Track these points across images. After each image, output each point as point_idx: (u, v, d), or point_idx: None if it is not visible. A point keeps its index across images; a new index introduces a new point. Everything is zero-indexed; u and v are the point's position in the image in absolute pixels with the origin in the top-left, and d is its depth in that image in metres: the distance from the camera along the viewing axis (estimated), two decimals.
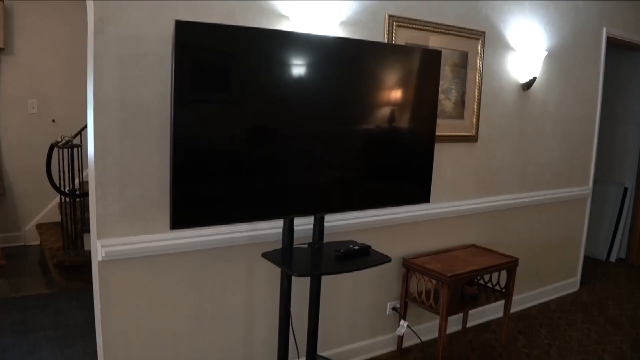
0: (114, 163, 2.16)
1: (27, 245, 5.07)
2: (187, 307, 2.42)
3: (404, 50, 2.52)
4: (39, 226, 5.05)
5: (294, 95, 2.07)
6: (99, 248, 2.18)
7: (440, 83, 3.08)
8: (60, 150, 4.25)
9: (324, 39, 2.21)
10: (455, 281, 2.83)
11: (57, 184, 4.36)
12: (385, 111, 2.38)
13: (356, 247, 2.18)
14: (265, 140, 2.04)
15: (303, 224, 2.54)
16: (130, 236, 2.23)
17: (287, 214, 2.19)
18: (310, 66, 2.10)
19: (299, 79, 2.08)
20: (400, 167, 2.48)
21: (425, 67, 2.45)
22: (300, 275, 2.00)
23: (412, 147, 2.50)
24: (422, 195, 2.54)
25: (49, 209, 5.13)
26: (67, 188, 4.29)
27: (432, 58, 2.46)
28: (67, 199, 4.34)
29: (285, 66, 2.03)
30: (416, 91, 2.45)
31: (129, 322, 2.28)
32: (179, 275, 2.38)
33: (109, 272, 2.22)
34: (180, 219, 1.88)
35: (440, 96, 3.12)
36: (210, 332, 2.50)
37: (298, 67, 2.08)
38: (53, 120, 4.96)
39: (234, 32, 1.93)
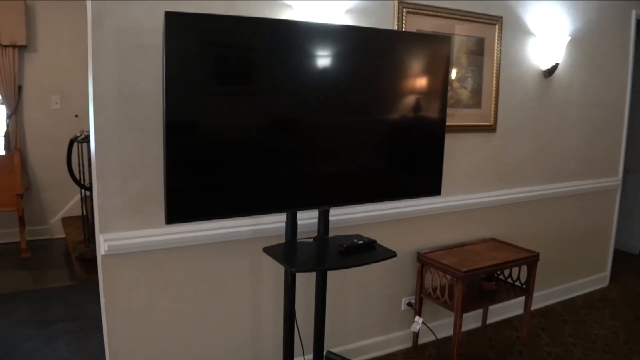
0: (115, 156, 2.15)
1: (53, 239, 5.19)
2: (192, 302, 2.40)
3: (411, 37, 2.42)
4: (64, 219, 5.15)
5: (293, 84, 2.01)
6: (102, 242, 2.18)
7: (455, 71, 2.99)
8: (80, 144, 4.31)
9: (321, 26, 2.13)
10: (471, 277, 2.73)
11: (78, 177, 4.43)
12: (391, 101, 2.29)
13: (360, 242, 2.11)
14: (262, 130, 1.98)
15: (310, 217, 2.49)
16: (132, 230, 2.22)
17: (289, 208, 2.14)
18: (309, 55, 2.03)
19: (298, 68, 2.01)
20: (408, 158, 2.39)
21: (434, 54, 2.35)
22: (299, 270, 1.95)
23: (421, 138, 2.41)
24: (432, 187, 2.45)
25: (74, 202, 5.22)
26: (87, 182, 4.35)
27: (441, 44, 2.36)
28: (88, 193, 4.40)
29: (281, 55, 1.96)
30: (425, 79, 2.36)
31: (133, 316, 2.28)
32: (183, 270, 2.36)
33: (112, 266, 2.22)
34: (175, 213, 1.85)
35: (456, 85, 3.02)
36: (216, 326, 2.48)
37: (296, 56, 2.01)
38: (76, 115, 5.03)
39: (225, 21, 1.87)
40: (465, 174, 3.20)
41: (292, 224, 2.17)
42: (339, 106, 2.16)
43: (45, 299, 3.71)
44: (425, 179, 2.45)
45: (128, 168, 2.17)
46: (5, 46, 4.65)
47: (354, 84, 2.17)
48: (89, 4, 2.05)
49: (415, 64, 2.33)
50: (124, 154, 2.15)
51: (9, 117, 4.84)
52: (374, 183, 2.31)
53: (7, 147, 4.91)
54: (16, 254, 4.60)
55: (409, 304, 3.09)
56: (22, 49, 4.78)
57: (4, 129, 4.91)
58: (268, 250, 2.07)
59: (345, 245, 2.06)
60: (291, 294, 2.18)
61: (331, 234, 2.39)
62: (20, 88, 4.84)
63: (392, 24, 2.71)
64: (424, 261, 2.96)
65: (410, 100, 2.34)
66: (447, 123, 2.96)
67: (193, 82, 1.82)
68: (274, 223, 2.46)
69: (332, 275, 2.56)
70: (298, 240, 2.22)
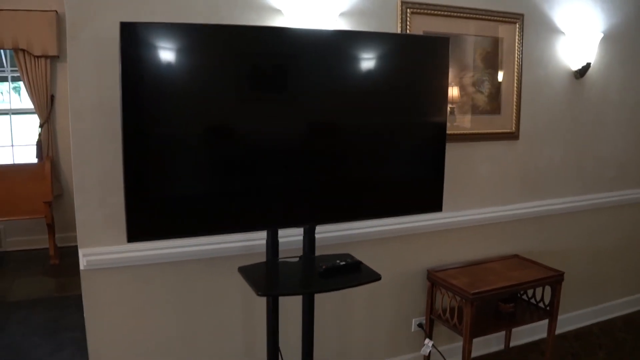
0: (94, 169, 2.10)
1: None
2: (178, 321, 2.32)
3: (401, 39, 2.21)
4: None
5: (258, 89, 1.89)
6: (81, 257, 2.13)
7: (470, 75, 2.78)
8: None
9: (294, 32, 1.98)
10: (481, 299, 2.50)
11: None
12: (382, 107, 2.12)
13: (342, 263, 1.95)
14: (231, 138, 1.86)
15: (299, 234, 2.35)
16: (112, 245, 2.16)
17: (265, 226, 2.01)
18: (282, 60, 1.90)
19: (272, 73, 1.89)
20: (404, 171, 2.21)
21: (430, 57, 2.16)
22: (264, 294, 1.81)
23: (418, 149, 2.22)
24: (432, 203, 2.24)
25: None
26: None
27: (439, 46, 2.16)
28: None
29: (245, 60, 1.84)
30: (421, 84, 2.17)
31: (114, 333, 2.22)
32: (167, 287, 2.28)
33: (92, 281, 2.18)
34: (137, 231, 1.76)
35: (470, 89, 2.79)
36: (205, 347, 2.38)
37: (267, 61, 1.89)
38: None
39: (183, 29, 1.76)
40: (485, 185, 2.96)
41: (272, 243, 2.04)
42: (320, 113, 2.02)
43: (64, 307, 3.76)
44: (424, 193, 2.25)
45: (108, 181, 2.11)
46: (38, 57, 4.79)
47: (334, 89, 2.02)
48: (67, 15, 2.01)
49: (409, 68, 2.14)
50: (103, 166, 2.10)
51: (41, 125, 4.99)
52: (365, 198, 2.14)
53: (40, 155, 5.05)
54: (45, 260, 4.72)
55: (419, 325, 2.89)
56: (54, 59, 4.91)
57: (37, 137, 5.05)
58: (243, 270, 1.95)
59: (324, 267, 1.91)
60: (274, 318, 2.04)
61: (328, 251, 2.26)
62: (52, 97, 4.97)
63: (395, 26, 2.53)
64: (434, 280, 2.76)
65: (404, 107, 2.16)
66: (461, 131, 2.81)
67: (151, 91, 1.72)
68: (264, 239, 2.33)
69: (334, 293, 2.41)
70: (281, 260, 2.08)
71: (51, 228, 4.67)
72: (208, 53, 1.80)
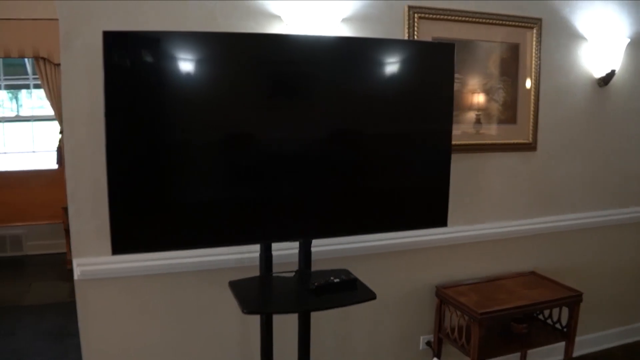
0: (87, 179, 2.06)
1: None
2: (173, 333, 2.26)
3: (402, 46, 2.09)
4: None
5: (258, 98, 1.83)
6: (75, 267, 2.10)
7: (483, 82, 2.66)
8: None
9: (292, 38, 1.92)
10: (490, 319, 2.37)
11: None
12: (386, 116, 2.03)
13: (336, 280, 1.86)
14: (220, 145, 1.79)
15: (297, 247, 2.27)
16: (106, 256, 2.11)
17: (259, 239, 1.94)
18: (279, 67, 1.84)
19: (265, 80, 1.82)
20: (405, 183, 2.10)
21: (434, 64, 2.05)
22: (249, 312, 1.73)
23: (421, 160, 2.11)
24: (437, 217, 2.13)
25: None
26: None
27: (443, 52, 2.05)
28: None
29: (227, 67, 1.78)
30: (424, 91, 2.07)
31: (108, 344, 2.19)
32: (162, 299, 2.23)
33: (86, 291, 2.15)
34: (122, 243, 1.72)
35: (483, 98, 2.67)
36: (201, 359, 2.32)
37: (263, 68, 1.82)
38: None
39: (166, 37, 1.71)
40: (499, 198, 2.82)
41: (265, 257, 1.96)
42: (318, 121, 1.94)
43: (74, 313, 3.76)
44: (428, 207, 2.14)
45: (100, 191, 2.04)
46: (57, 64, 4.85)
47: (335, 98, 1.94)
48: (60, 24, 1.99)
49: (410, 76, 2.04)
50: (96, 176, 2.05)
51: (61, 132, 5.06)
52: (363, 211, 2.04)
53: (59, 161, 5.12)
54: (62, 265, 4.77)
55: (427, 344, 2.76)
56: None
57: (57, 143, 5.13)
58: (233, 285, 1.88)
59: (316, 284, 1.82)
60: (267, 335, 1.96)
61: (328, 265, 2.16)
62: None
63: (401, 32, 2.43)
64: (442, 297, 2.63)
65: (406, 115, 2.06)
66: (474, 141, 2.69)
67: (134, 100, 1.68)
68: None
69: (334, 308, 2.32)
70: (275, 275, 2.00)
71: (68, 233, 4.71)
72: (194, 60, 1.74)
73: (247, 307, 1.70)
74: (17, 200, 5.09)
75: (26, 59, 5.17)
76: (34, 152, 5.38)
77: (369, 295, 1.85)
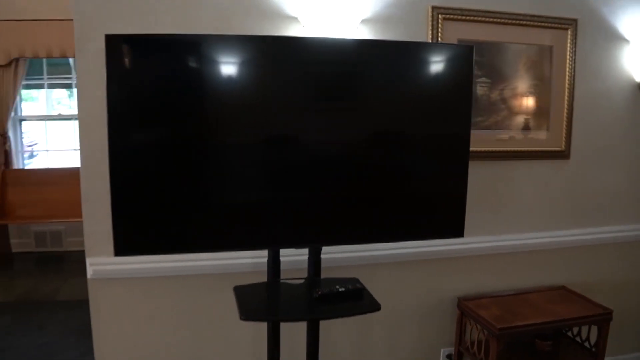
0: (100, 181, 2.07)
1: None
2: (184, 335, 2.27)
3: (418, 49, 1.98)
4: None
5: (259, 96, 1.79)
6: (88, 266, 2.13)
7: (512, 87, 2.53)
8: None
9: (297, 41, 1.88)
10: (509, 335, 2.25)
11: None
12: (399, 121, 1.95)
13: (341, 289, 1.80)
14: (227, 150, 1.76)
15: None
16: (119, 256, 2.14)
17: (266, 245, 1.90)
18: (279, 71, 1.80)
19: (252, 83, 1.79)
20: (421, 191, 2.02)
21: (452, 67, 1.96)
22: (247, 319, 1.69)
23: (437, 167, 2.02)
24: (453, 227, 2.03)
25: None
26: None
27: (461, 55, 1.95)
28: None
29: (237, 68, 1.75)
30: (441, 96, 1.98)
31: (119, 344, 2.21)
32: (173, 301, 2.23)
33: (98, 291, 2.18)
34: (125, 244, 1.71)
35: (518, 103, 2.54)
36: None
37: (262, 70, 1.79)
38: None
39: (168, 41, 1.70)
40: (528, 208, 2.68)
41: (273, 263, 1.93)
42: (331, 124, 1.88)
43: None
44: (444, 216, 2.05)
45: None
46: None
47: (348, 101, 1.88)
48: (75, 27, 2.02)
49: (428, 79, 1.96)
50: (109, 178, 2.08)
51: None
52: (376, 219, 1.97)
53: None
54: None
55: (448, 357, 2.66)
56: None
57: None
58: (237, 290, 1.85)
59: (319, 292, 1.77)
60: (274, 343, 1.92)
61: (340, 273, 2.12)
62: None
63: (425, 34, 2.35)
64: (463, 309, 2.52)
65: (422, 120, 1.97)
66: (500, 148, 2.57)
67: (137, 103, 1.68)
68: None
69: (350, 318, 2.27)
70: (283, 281, 1.96)
71: None
72: (197, 64, 1.72)
73: (245, 313, 1.67)
74: (59, 197, 5.25)
75: (70, 59, 5.33)
76: (75, 150, 5.54)
77: (374, 306, 1.78)
